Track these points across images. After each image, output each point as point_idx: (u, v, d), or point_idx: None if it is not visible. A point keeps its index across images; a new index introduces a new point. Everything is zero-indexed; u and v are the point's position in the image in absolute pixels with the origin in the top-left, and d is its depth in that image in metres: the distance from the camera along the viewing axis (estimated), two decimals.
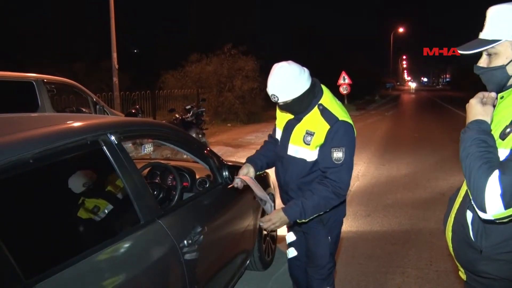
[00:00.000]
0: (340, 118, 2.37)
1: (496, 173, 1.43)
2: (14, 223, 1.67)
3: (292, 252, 2.87)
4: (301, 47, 30.15)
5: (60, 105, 9.03)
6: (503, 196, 1.40)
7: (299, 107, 2.42)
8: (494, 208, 1.42)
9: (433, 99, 40.08)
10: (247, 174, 2.62)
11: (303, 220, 2.41)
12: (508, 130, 1.52)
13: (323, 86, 2.50)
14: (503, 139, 1.53)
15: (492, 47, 1.62)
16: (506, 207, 1.41)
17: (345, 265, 4.02)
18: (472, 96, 1.68)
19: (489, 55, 1.67)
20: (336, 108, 2.42)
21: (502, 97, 1.65)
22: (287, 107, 2.44)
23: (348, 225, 5.07)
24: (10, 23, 20.69)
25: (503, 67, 1.62)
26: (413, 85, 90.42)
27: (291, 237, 2.86)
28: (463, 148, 1.57)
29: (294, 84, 2.32)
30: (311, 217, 2.41)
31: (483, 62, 1.70)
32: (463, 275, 1.84)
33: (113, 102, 12.66)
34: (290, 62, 2.36)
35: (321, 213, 2.43)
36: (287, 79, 2.31)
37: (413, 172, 8.08)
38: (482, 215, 1.48)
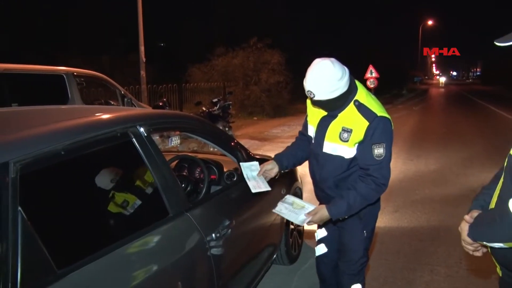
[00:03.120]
0: (378, 114, 2.32)
1: None
2: (47, 214, 1.69)
3: (321, 249, 2.82)
4: (327, 41, 29.92)
5: (89, 98, 9.16)
6: None
7: (335, 105, 2.35)
8: None
9: (462, 93, 39.15)
10: (270, 171, 2.68)
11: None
12: None
13: (356, 81, 2.42)
14: None
15: None
16: None
17: (372, 260, 3.97)
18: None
19: None
20: (373, 103, 2.36)
21: None
22: (321, 104, 2.36)
23: None
24: (40, 17, 21.13)
25: None
26: (442, 79, 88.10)
27: (322, 233, 2.81)
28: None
29: (334, 86, 2.23)
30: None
31: None
32: (499, 271, 1.83)
33: (140, 95, 12.79)
34: (333, 60, 2.26)
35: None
36: (328, 80, 2.21)
37: (442, 167, 7.92)
38: None
